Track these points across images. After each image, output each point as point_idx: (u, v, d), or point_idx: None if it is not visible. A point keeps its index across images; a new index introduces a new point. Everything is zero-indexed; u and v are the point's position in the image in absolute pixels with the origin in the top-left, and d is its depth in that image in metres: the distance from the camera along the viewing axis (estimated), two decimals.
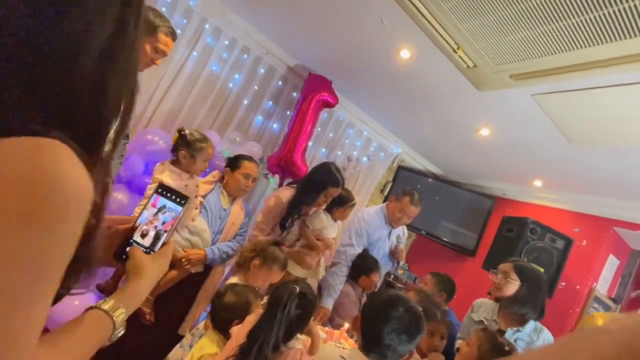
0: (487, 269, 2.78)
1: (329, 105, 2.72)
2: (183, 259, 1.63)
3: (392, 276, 2.91)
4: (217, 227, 1.79)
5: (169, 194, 0.59)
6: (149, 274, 0.55)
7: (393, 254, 2.33)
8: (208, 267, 1.76)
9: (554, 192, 2.95)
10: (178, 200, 0.59)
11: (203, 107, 2.68)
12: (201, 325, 1.44)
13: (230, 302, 1.32)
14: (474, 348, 1.38)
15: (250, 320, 1.18)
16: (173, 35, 1.52)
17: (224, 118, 2.79)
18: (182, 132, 1.63)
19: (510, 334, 1.65)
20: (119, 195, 2.07)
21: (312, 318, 1.21)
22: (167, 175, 1.55)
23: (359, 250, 2.20)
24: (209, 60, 2.65)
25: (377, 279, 2.18)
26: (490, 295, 1.88)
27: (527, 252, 2.53)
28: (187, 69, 2.58)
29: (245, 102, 2.84)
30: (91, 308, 0.48)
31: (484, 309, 1.87)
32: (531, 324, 1.67)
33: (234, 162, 1.89)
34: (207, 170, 2.04)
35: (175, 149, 1.65)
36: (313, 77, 2.73)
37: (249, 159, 1.94)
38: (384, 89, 2.66)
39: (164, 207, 0.59)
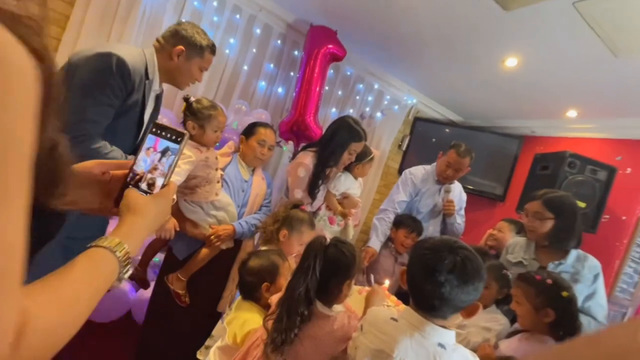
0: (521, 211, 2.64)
1: (337, 58, 2.49)
2: (212, 236, 1.55)
3: None
4: (241, 200, 1.70)
5: (165, 133, 0.52)
6: (146, 213, 0.49)
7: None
8: (238, 242, 1.69)
9: (591, 120, 2.71)
10: (175, 138, 0.53)
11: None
12: (238, 299, 1.39)
13: (255, 266, 1.25)
14: (524, 302, 1.28)
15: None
16: (214, 51, 1.47)
17: (225, 87, 2.62)
18: (188, 100, 1.47)
19: (552, 268, 1.54)
20: None
21: (354, 279, 1.12)
22: (187, 149, 1.43)
23: (404, 196, 2.19)
24: (200, 25, 2.43)
25: (407, 238, 2.08)
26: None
27: (565, 188, 2.35)
28: None
29: (245, 67, 2.65)
30: (87, 248, 0.42)
31: (519, 248, 1.74)
32: (573, 254, 1.55)
33: (249, 130, 1.77)
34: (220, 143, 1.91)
35: (184, 121, 1.52)
36: (315, 30, 2.49)
37: (265, 125, 1.81)
38: (393, 32, 2.40)
39: (166, 149, 0.51)
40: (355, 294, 1.45)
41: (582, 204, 2.29)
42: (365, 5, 2.18)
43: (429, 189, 2.22)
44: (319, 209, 1.85)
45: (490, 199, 3.37)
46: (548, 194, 1.60)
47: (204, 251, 1.57)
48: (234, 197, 1.67)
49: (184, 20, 1.55)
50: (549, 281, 1.25)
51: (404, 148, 3.58)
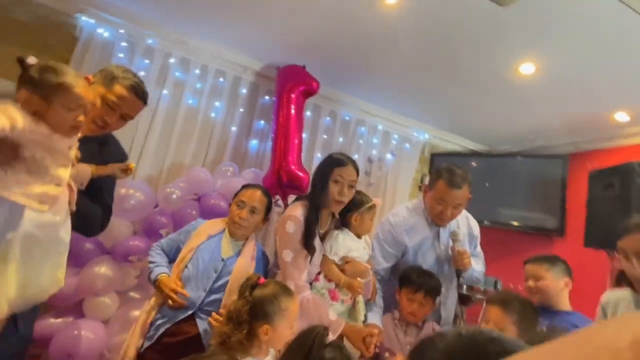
0: (593, 246, 2.03)
1: (311, 92, 2.27)
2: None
3: (465, 287, 2.21)
4: (210, 283, 1.31)
5: None
6: None
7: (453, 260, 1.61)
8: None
9: None
10: None
11: (188, 146, 2.37)
12: None
13: None
14: None
15: None
16: (135, 89, 1.15)
17: (215, 152, 2.46)
18: (23, 62, 0.84)
19: None
20: (101, 269, 1.71)
21: None
22: (14, 110, 0.78)
23: (385, 263, 1.60)
24: (183, 94, 2.38)
25: (411, 302, 1.44)
26: (621, 285, 1.23)
27: None
28: (162, 110, 2.31)
29: (234, 128, 2.50)
30: None
31: (623, 306, 1.20)
32: None
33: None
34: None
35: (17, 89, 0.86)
36: (283, 71, 2.34)
37: (249, 185, 1.53)
38: (381, 62, 2.20)
39: None
40: None
41: None
42: (342, 36, 2.02)
43: (423, 240, 1.60)
44: (315, 279, 1.41)
45: (544, 235, 2.74)
46: None
47: None
48: (199, 279, 1.30)
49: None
50: None
51: None
